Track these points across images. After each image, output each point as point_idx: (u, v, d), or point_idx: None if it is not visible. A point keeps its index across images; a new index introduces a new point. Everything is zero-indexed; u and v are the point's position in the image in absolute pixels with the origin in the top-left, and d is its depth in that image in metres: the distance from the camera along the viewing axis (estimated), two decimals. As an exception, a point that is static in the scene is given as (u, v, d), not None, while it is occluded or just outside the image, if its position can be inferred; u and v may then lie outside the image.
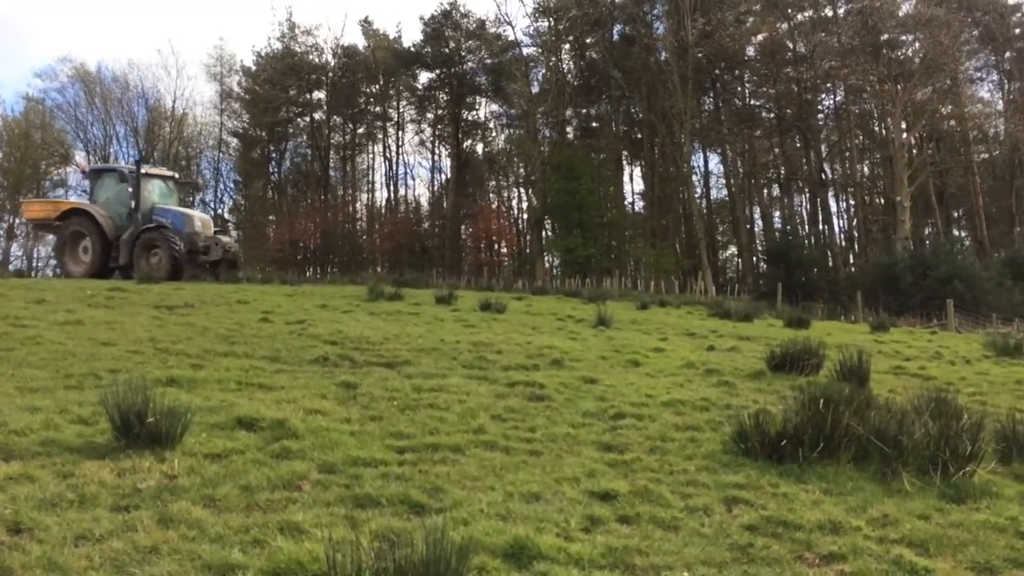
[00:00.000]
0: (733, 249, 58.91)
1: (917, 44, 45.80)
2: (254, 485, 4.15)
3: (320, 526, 3.59)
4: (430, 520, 3.75)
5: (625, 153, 58.76)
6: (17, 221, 54.96)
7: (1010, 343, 13.54)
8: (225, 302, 13.15)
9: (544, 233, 53.84)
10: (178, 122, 59.45)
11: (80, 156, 56.00)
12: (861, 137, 55.14)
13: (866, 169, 56.19)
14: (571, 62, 56.33)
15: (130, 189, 22.23)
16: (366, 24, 61.03)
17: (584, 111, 58.93)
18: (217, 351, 8.12)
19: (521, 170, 59.84)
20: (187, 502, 3.87)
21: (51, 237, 29.13)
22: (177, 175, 25.86)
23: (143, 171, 22.89)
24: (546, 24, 53.86)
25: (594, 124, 59.30)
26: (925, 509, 4.36)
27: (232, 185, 63.79)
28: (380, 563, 2.73)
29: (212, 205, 62.22)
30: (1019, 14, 51.90)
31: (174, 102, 59.91)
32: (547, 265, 51.74)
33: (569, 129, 57.59)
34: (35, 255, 57.37)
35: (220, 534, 3.53)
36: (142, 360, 7.42)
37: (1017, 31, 51.97)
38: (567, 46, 55.52)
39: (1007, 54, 51.53)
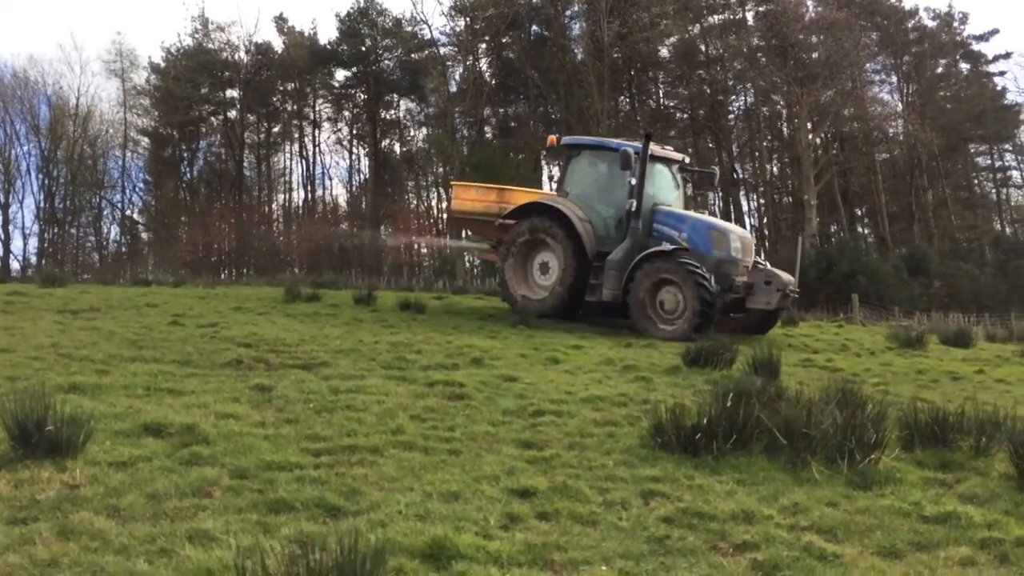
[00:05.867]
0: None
1: (821, 48, 47.38)
2: (161, 493, 4.01)
3: (231, 533, 3.49)
4: (346, 523, 3.68)
5: (543, 152, 59.11)
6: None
7: (911, 335, 14.12)
8: (133, 306, 12.72)
9: (464, 232, 53.68)
10: (83, 120, 57.21)
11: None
12: (770, 138, 56.79)
13: (775, 169, 57.89)
14: (488, 61, 56.40)
15: (630, 180, 13.83)
16: (280, 21, 59.91)
17: (502, 110, 59.07)
18: (124, 356, 7.83)
19: (440, 169, 59.62)
20: (89, 512, 3.71)
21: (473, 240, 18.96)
22: (687, 159, 16.33)
23: (650, 152, 14.02)
24: (462, 23, 53.85)
25: (512, 123, 59.47)
26: (833, 496, 4.50)
27: (142, 186, 61.81)
28: (292, 568, 2.66)
29: (120, 206, 60.26)
30: (916, 19, 54.22)
31: (78, 99, 57.67)
32: (468, 265, 51.68)
33: (487, 128, 57.63)
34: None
35: (125, 544, 3.39)
36: (43, 367, 7.10)
37: (914, 35, 54.25)
38: (484, 45, 55.56)
39: (905, 57, 53.77)
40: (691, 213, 14.87)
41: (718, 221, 15.12)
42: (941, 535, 3.97)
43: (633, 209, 13.68)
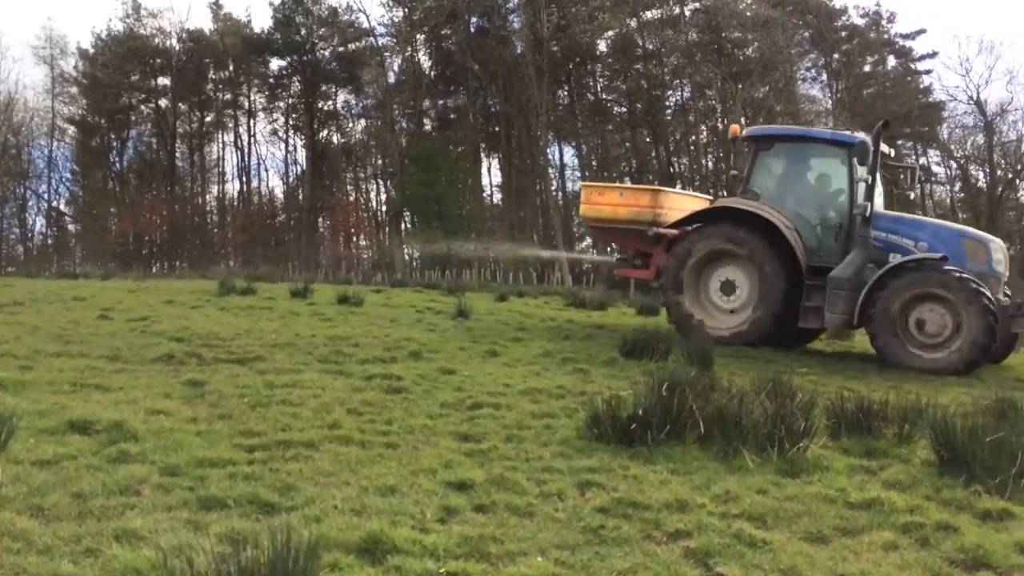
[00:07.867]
0: (589, 240, 60.31)
1: (756, 44, 48.26)
2: (87, 492, 3.90)
3: (160, 532, 3.42)
4: (279, 519, 3.64)
5: (483, 145, 59.02)
6: None
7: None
8: (59, 299, 12.37)
9: (403, 225, 53.45)
10: (5, 108, 55.13)
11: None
12: (705, 132, 57.64)
13: (711, 163, 58.78)
14: (427, 53, 56.11)
15: (867, 179, 11.38)
16: (215, 7, 58.50)
17: (441, 102, 58.75)
18: (49, 351, 7.61)
19: (379, 162, 59.12)
20: (12, 512, 3.59)
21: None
22: (893, 151, 13.98)
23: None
24: (400, 14, 53.40)
25: (451, 116, 59.21)
26: (763, 484, 4.60)
27: (69, 176, 59.87)
28: (222, 567, 2.61)
29: (46, 197, 58.32)
30: (845, 17, 55.54)
31: (-1, 86, 55.50)
32: (407, 258, 51.41)
33: (426, 120, 57.34)
34: None
35: (49, 545, 3.29)
36: (-38, 363, 6.86)
37: (843, 34, 55.59)
38: (422, 36, 55.21)
39: (835, 55, 55.08)
40: (929, 219, 12.45)
41: (969, 228, 12.83)
42: (865, 520, 4.10)
43: (868, 214, 11.20)
